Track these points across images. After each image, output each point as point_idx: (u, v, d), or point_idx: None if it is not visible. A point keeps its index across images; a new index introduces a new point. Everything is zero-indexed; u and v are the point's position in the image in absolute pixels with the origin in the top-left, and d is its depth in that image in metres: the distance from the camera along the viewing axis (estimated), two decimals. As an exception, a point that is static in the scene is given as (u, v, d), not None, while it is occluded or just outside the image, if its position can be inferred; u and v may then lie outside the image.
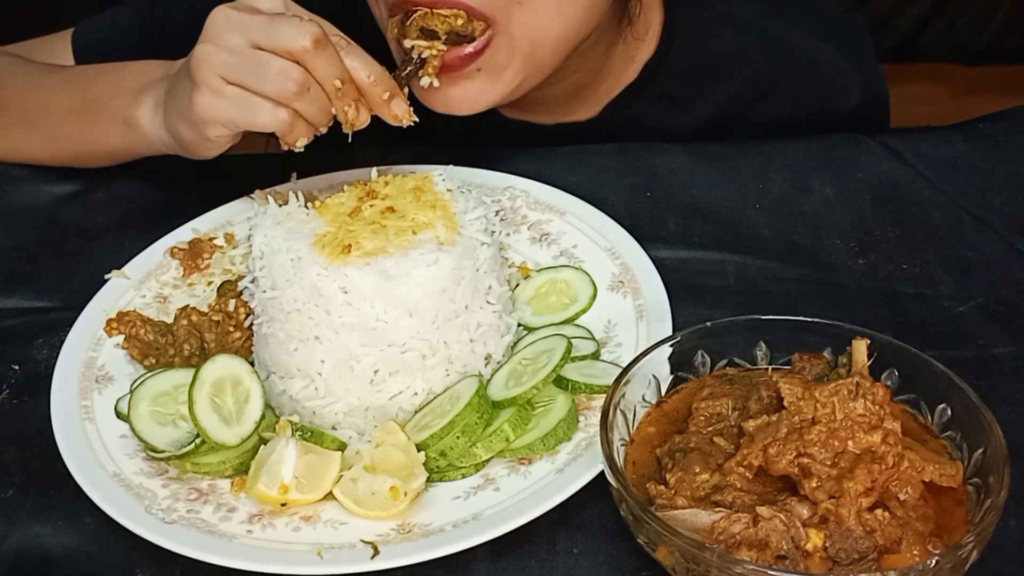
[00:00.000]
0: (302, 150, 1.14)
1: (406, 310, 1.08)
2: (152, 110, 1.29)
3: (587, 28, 1.34)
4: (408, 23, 1.23)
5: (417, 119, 1.17)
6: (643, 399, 1.01)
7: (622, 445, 0.97)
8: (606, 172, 1.44)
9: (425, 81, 1.23)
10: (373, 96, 1.14)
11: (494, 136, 1.54)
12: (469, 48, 1.24)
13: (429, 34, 1.22)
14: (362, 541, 0.98)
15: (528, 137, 1.54)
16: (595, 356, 1.15)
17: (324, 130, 1.15)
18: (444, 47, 1.22)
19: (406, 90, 1.19)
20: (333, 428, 1.11)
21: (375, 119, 1.16)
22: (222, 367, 1.08)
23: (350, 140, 1.16)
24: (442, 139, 1.50)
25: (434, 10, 1.21)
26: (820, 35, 1.53)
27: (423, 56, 1.22)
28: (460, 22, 1.21)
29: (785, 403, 0.91)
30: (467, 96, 1.29)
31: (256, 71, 1.10)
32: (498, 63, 1.27)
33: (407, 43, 1.22)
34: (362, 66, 1.13)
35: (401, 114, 1.15)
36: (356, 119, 1.14)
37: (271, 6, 1.14)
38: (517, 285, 1.25)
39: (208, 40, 1.12)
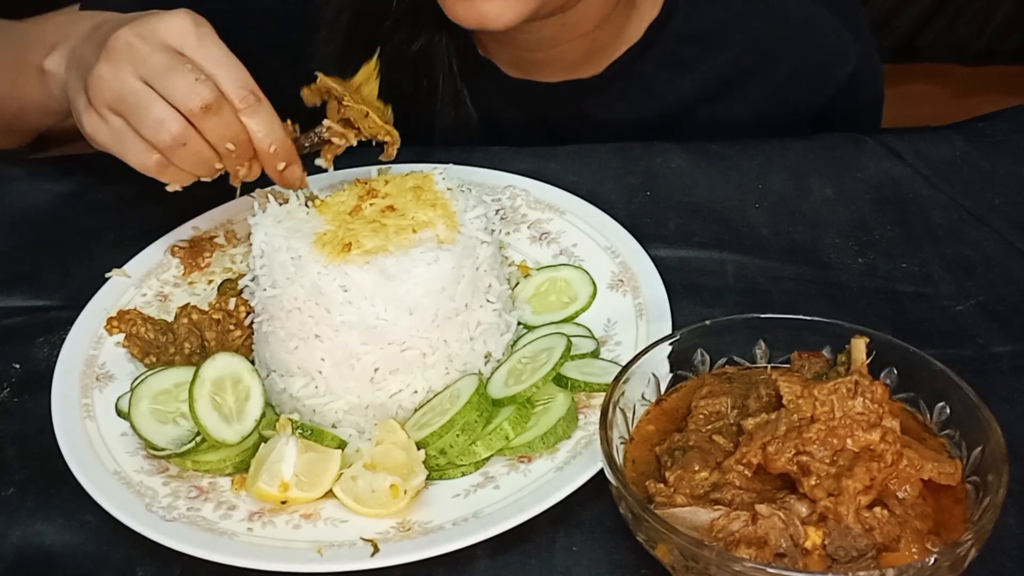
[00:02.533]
0: (178, 190, 1.13)
1: (406, 308, 1.08)
2: (60, 62, 1.23)
3: None
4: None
5: (308, 186, 1.13)
6: (643, 397, 1.01)
7: (621, 443, 0.97)
8: (606, 171, 1.45)
9: (320, 163, 1.17)
10: (268, 162, 1.11)
11: (497, 95, 1.55)
12: None
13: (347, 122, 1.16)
14: (362, 539, 0.98)
15: (532, 95, 1.55)
16: (595, 354, 1.15)
17: (207, 179, 1.12)
18: (354, 142, 1.16)
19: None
20: (333, 426, 1.11)
21: None
22: (222, 365, 1.08)
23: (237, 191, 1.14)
24: (443, 114, 1.49)
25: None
26: (819, 1, 1.55)
27: (328, 138, 1.15)
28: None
29: (784, 401, 0.91)
30: (493, 11, 1.26)
31: (136, 112, 1.07)
32: None
33: (326, 122, 1.15)
34: (264, 132, 1.08)
35: (291, 181, 1.12)
36: (247, 176, 1.11)
37: (179, 41, 1.08)
38: (517, 284, 1.26)
39: (107, 61, 1.09)
